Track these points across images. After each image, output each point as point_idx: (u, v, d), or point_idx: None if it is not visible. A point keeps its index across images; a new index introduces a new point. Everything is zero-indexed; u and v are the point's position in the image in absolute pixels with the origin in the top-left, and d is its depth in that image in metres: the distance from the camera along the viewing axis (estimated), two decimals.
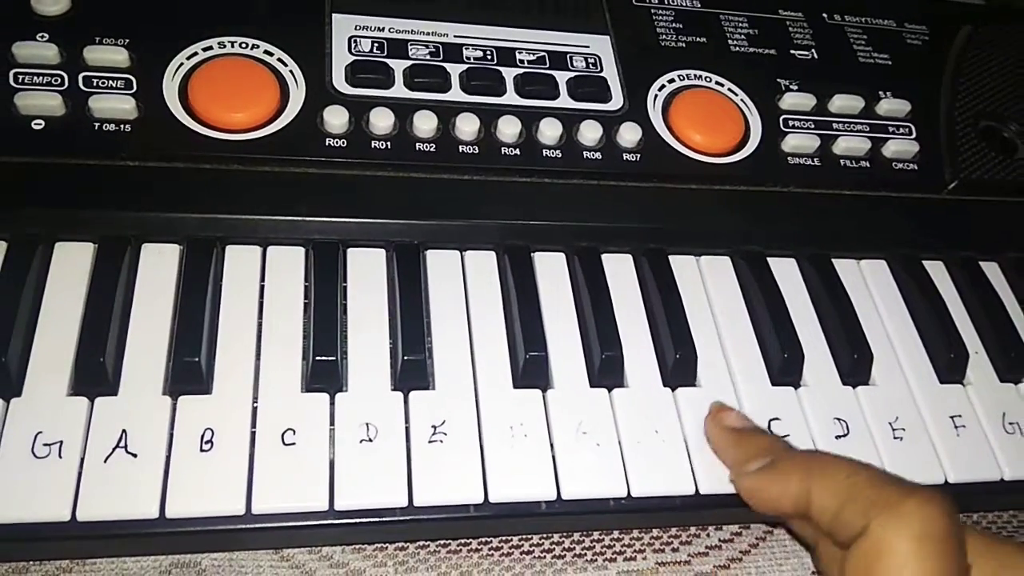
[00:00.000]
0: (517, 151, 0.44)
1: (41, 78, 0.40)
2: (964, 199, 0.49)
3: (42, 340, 0.35)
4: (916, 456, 0.40)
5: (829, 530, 0.32)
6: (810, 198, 0.47)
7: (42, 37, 0.41)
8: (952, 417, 0.41)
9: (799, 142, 0.47)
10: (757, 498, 0.35)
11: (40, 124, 0.39)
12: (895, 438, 0.40)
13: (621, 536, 0.40)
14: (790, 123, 0.48)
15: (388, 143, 0.42)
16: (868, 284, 0.46)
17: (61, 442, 0.33)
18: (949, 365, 0.43)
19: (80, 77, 0.41)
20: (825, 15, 0.55)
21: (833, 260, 0.46)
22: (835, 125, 0.49)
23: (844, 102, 0.49)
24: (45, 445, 0.32)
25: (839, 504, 0.31)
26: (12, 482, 0.32)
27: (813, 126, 0.49)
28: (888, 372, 0.43)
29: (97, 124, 0.40)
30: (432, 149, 0.43)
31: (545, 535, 0.39)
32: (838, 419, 0.40)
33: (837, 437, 0.40)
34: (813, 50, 0.52)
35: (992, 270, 0.48)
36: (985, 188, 0.49)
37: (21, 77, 0.40)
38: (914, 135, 0.50)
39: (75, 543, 0.33)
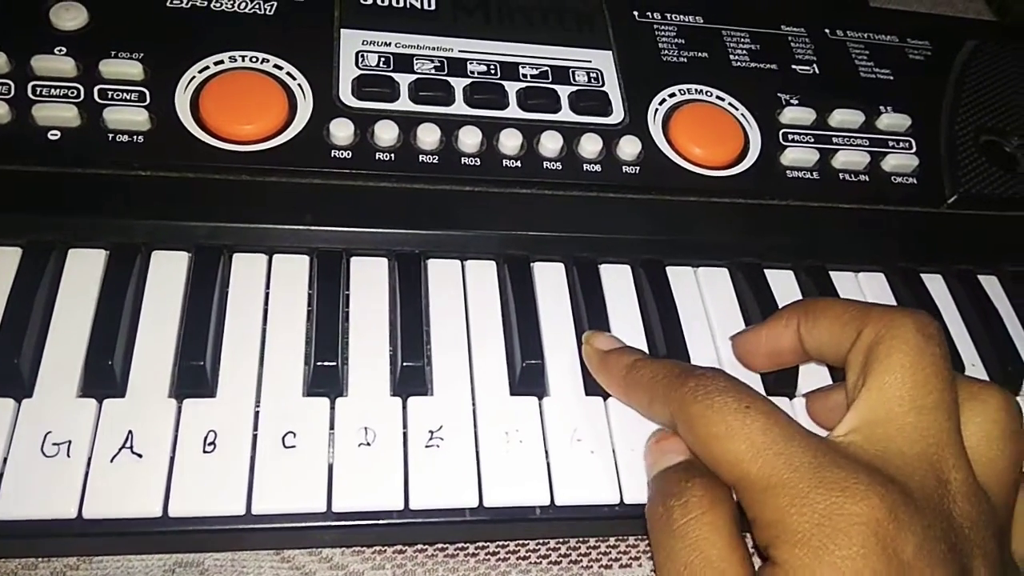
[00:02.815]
0: (518, 163, 0.44)
1: (58, 90, 0.41)
2: (964, 213, 0.49)
3: (54, 343, 0.36)
4: None
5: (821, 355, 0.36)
6: (808, 211, 0.47)
7: (60, 51, 0.42)
8: None
9: (798, 156, 0.48)
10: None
11: (56, 135, 0.40)
12: None
13: (617, 543, 0.40)
14: (789, 137, 0.49)
15: (392, 155, 0.43)
16: (865, 295, 0.46)
17: (70, 442, 0.33)
18: None
19: (96, 90, 0.42)
20: (827, 30, 0.55)
21: (831, 272, 0.46)
22: (835, 139, 0.49)
23: (844, 116, 0.50)
24: (54, 444, 0.33)
25: (839, 327, 0.34)
26: (22, 480, 0.32)
27: (812, 140, 0.49)
28: None
29: (111, 135, 0.41)
30: (435, 161, 0.43)
31: (541, 541, 0.40)
32: None
33: None
34: (814, 65, 0.53)
35: (990, 283, 0.48)
36: (985, 202, 0.49)
37: (39, 89, 0.41)
38: (914, 149, 0.50)
39: (81, 540, 0.34)
